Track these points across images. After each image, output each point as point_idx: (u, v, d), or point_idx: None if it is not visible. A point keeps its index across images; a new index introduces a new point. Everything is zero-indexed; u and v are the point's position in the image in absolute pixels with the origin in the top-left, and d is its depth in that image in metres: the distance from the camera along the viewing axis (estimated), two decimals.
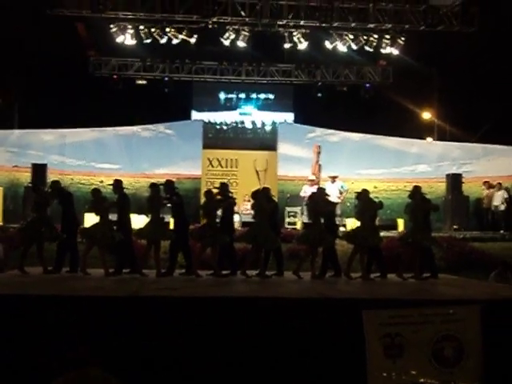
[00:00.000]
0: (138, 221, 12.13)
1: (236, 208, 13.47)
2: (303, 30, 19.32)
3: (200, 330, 7.36)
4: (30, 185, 16.37)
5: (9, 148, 20.35)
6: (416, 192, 11.49)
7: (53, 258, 11.36)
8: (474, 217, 19.06)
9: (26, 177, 18.16)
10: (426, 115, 25.30)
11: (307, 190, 16.99)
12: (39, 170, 16.86)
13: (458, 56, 20.28)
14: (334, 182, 17.53)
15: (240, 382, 6.87)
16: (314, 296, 8.60)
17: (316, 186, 16.16)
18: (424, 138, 24.20)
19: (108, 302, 7.73)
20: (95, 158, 20.84)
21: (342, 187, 17.44)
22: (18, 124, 22.78)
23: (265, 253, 11.45)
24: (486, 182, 19.13)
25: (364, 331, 6.81)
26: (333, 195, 16.68)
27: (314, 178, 17.94)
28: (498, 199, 18.22)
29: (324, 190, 12.92)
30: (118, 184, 11.70)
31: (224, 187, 11.88)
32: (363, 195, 11.48)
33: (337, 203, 15.99)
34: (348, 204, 17.11)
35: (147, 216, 11.42)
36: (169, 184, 11.67)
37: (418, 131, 23.81)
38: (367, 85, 22.56)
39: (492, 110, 21.54)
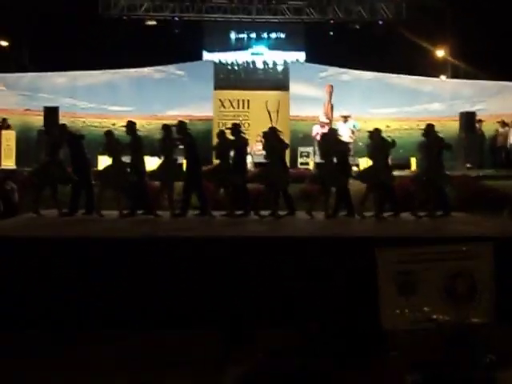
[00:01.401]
0: (151, 162, 12.16)
1: (248, 149, 13.45)
2: None
3: (215, 270, 7.45)
4: (42, 128, 16.41)
5: (20, 92, 20.32)
6: (429, 130, 11.42)
7: (68, 200, 11.46)
8: (488, 155, 18.96)
9: (38, 120, 18.13)
10: (440, 53, 24.92)
11: (318, 130, 16.94)
12: (51, 113, 16.82)
13: None
14: (346, 121, 17.46)
15: (255, 320, 6.96)
16: (328, 235, 8.65)
17: (327, 127, 16.12)
18: (437, 76, 23.92)
19: (123, 243, 7.81)
20: (107, 101, 20.79)
21: (354, 126, 17.38)
22: (28, 67, 22.68)
23: (276, 192, 11.46)
24: (501, 121, 18.95)
25: (377, 269, 6.86)
26: (345, 135, 16.67)
27: (325, 119, 17.86)
28: None
29: (336, 130, 12.88)
30: (131, 126, 11.68)
31: (236, 128, 11.84)
32: (375, 134, 11.43)
33: (349, 143, 15.96)
34: (360, 143, 17.02)
35: (160, 158, 11.45)
36: (181, 125, 11.64)
37: (432, 69, 23.51)
38: (380, 22, 22.18)
39: (506, 47, 21.21)
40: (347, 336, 3.60)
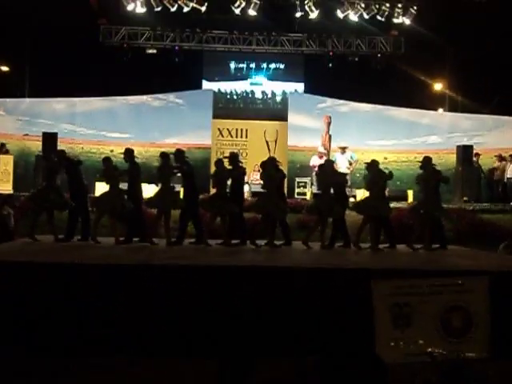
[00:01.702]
0: (149, 190, 12.17)
1: (246, 178, 13.48)
2: None
3: (210, 299, 7.42)
4: (40, 153, 16.46)
5: (19, 117, 20.43)
6: (427, 163, 11.46)
7: (65, 226, 11.45)
8: (485, 188, 19.01)
9: (36, 145, 18.20)
10: (438, 86, 25.11)
11: (316, 161, 16.99)
12: (50, 139, 16.86)
13: (471, 27, 20.06)
14: (343, 152, 17.52)
15: (248, 350, 6.92)
16: (324, 265, 8.63)
17: (324, 158, 16.17)
18: (435, 109, 24.07)
19: (119, 270, 7.78)
20: (105, 127, 20.88)
21: (351, 157, 17.45)
22: (28, 93, 22.79)
23: (273, 222, 11.46)
24: (498, 155, 19.01)
25: (372, 300, 6.84)
26: (343, 166, 16.73)
27: (323, 150, 17.92)
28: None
29: (333, 161, 12.94)
30: (129, 153, 11.71)
31: (234, 157, 11.87)
32: (373, 166, 11.46)
33: (346, 174, 16.01)
34: (358, 175, 17.08)
35: (157, 185, 11.45)
36: (179, 153, 11.66)
37: (430, 102, 23.66)
38: (378, 55, 22.34)
39: (503, 82, 21.36)
40: (348, 368, 3.58)
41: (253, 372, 3.90)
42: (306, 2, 19.27)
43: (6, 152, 17.58)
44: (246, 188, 14.80)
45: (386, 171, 11.92)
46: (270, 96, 22.93)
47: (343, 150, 17.55)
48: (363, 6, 19.24)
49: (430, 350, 5.94)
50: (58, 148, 14.90)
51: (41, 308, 7.38)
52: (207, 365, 6.00)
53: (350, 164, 17.27)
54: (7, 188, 16.20)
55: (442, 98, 25.09)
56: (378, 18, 19.69)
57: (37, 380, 6.33)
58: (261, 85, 22.94)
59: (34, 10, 19.27)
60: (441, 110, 24.52)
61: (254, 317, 7.32)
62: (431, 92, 25.11)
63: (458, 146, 18.38)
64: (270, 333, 7.22)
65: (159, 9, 19.43)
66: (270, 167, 11.50)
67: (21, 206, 13.30)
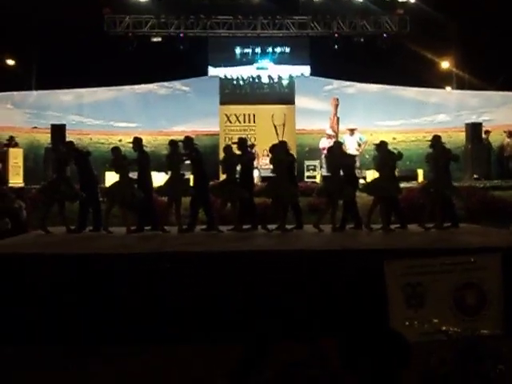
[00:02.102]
0: (158, 178, 12.20)
1: (255, 163, 13.47)
2: None
3: (223, 284, 7.45)
4: (49, 146, 16.50)
5: (28, 110, 20.50)
6: (436, 141, 11.44)
7: (76, 217, 11.51)
8: (495, 165, 18.92)
9: (45, 138, 18.24)
10: (445, 64, 24.95)
11: (325, 143, 16.96)
12: (58, 131, 16.90)
13: (476, 3, 19.93)
14: (352, 134, 17.48)
15: (263, 334, 6.94)
16: (336, 248, 8.64)
17: (333, 140, 16.13)
18: (443, 88, 23.95)
19: (131, 259, 7.83)
20: (113, 117, 20.92)
21: (360, 139, 17.40)
22: (35, 85, 22.82)
23: (283, 206, 11.48)
24: (507, 131, 18.91)
25: (385, 281, 6.86)
26: (352, 147, 16.70)
27: (331, 132, 17.89)
28: None
29: (341, 143, 12.91)
30: (137, 142, 11.73)
31: (243, 142, 11.87)
32: (382, 147, 11.44)
33: (356, 155, 15.99)
34: (367, 156, 17.03)
35: (167, 173, 11.48)
36: (188, 140, 11.67)
37: (437, 81, 23.53)
38: (384, 35, 22.21)
39: (510, 58, 21.22)
40: (369, 345, 3.58)
41: (269, 356, 3.91)
42: None
43: (16, 145, 17.62)
44: (256, 173, 14.79)
45: (395, 151, 11.90)
46: (276, 80, 22.81)
47: (352, 131, 17.51)
48: None
49: (444, 328, 5.94)
50: (67, 139, 14.91)
51: (54, 299, 7.45)
52: (220, 351, 6.06)
53: (359, 145, 17.23)
54: (18, 181, 16.26)
55: (449, 76, 24.94)
56: None
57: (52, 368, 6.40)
58: (267, 69, 22.83)
59: (38, 3, 19.27)
60: (448, 88, 24.39)
61: (268, 301, 7.35)
62: (438, 70, 24.96)
63: (467, 124, 18.30)
64: (284, 316, 7.25)
65: None
66: (279, 151, 11.49)
67: (32, 199, 13.35)
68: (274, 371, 3.60)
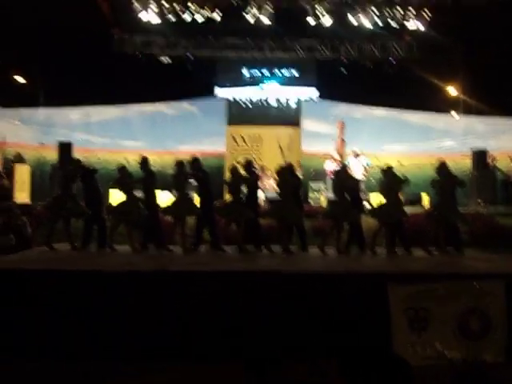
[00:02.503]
0: (163, 197, 12.22)
1: (260, 184, 13.50)
2: (327, 5, 19.23)
3: (228, 303, 7.46)
4: (56, 163, 16.57)
5: (35, 126, 20.62)
6: (442, 167, 11.45)
7: (81, 234, 11.52)
8: (500, 191, 18.89)
9: (52, 155, 18.32)
10: (452, 90, 25.03)
11: (330, 166, 16.98)
12: (65, 148, 16.99)
13: (484, 30, 20.00)
14: (356, 157, 17.49)
15: (266, 352, 6.95)
16: (340, 270, 8.63)
17: (338, 163, 16.16)
18: (449, 113, 24.00)
19: (136, 277, 7.84)
20: (120, 136, 21.02)
21: (367, 164, 17.41)
22: (43, 102, 22.95)
23: (288, 228, 11.48)
24: None
25: (389, 305, 6.85)
26: (358, 171, 16.72)
27: (337, 155, 17.93)
28: None
29: (346, 166, 12.94)
30: (144, 161, 11.78)
31: (249, 164, 11.91)
32: (389, 172, 11.46)
33: (360, 180, 16.02)
34: (372, 179, 17.04)
35: (172, 192, 11.51)
36: (194, 161, 11.72)
37: (444, 106, 23.58)
38: (391, 60, 22.30)
39: None
40: (372, 368, 3.61)
41: (274, 375, 3.94)
42: (318, 8, 19.32)
43: (23, 161, 17.69)
44: (261, 194, 14.82)
45: (402, 176, 11.91)
46: (283, 102, 22.94)
47: (356, 154, 17.53)
48: (375, 11, 19.26)
49: (447, 353, 5.94)
50: (74, 157, 14.96)
51: (59, 315, 7.45)
52: (226, 369, 6.05)
53: (365, 170, 17.23)
54: (24, 197, 16.30)
55: (456, 102, 24.99)
56: (391, 22, 19.70)
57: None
58: (274, 91, 22.96)
59: (47, 21, 19.41)
60: (455, 114, 24.44)
61: (272, 321, 7.35)
62: (445, 96, 25.02)
63: (474, 151, 18.34)
64: (287, 336, 7.24)
65: (172, 17, 19.54)
66: (285, 173, 11.52)
67: (37, 215, 13.38)
68: None
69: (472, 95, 24.05)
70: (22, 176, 16.77)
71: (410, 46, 22.21)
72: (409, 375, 3.89)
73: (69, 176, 11.48)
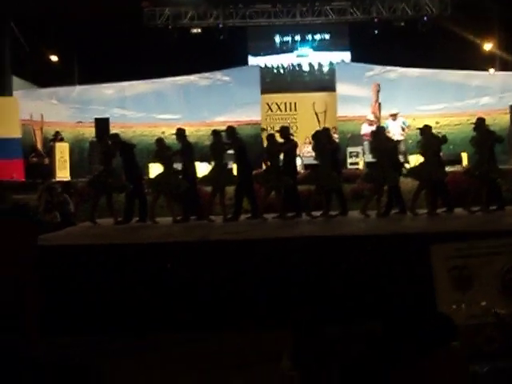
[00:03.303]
0: (202, 168, 12.31)
1: (297, 151, 13.49)
2: None
3: (271, 270, 7.52)
4: (94, 139, 16.74)
5: (71, 104, 20.78)
6: (480, 124, 11.33)
7: (122, 208, 11.66)
8: None
9: (90, 132, 18.49)
10: (487, 46, 24.59)
11: (367, 129, 16.87)
12: (102, 124, 17.10)
13: None
14: (395, 119, 17.31)
15: (313, 317, 7.00)
16: (381, 233, 8.64)
17: (375, 125, 16.03)
18: (486, 70, 23.62)
19: (179, 247, 7.94)
20: (155, 110, 21.08)
21: (403, 123, 17.23)
22: (78, 80, 23.14)
23: (327, 193, 11.48)
24: None
25: (432, 265, 6.85)
26: (395, 132, 16.58)
27: (372, 117, 17.77)
28: None
29: (384, 128, 12.85)
30: (181, 133, 11.87)
31: (285, 130, 11.91)
32: (426, 131, 11.38)
33: (400, 140, 15.91)
34: (410, 141, 16.90)
35: (210, 163, 11.58)
36: (230, 130, 11.76)
37: (480, 63, 23.21)
38: (424, 18, 21.98)
39: None
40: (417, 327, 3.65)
41: (322, 338, 3.99)
42: None
43: (62, 140, 17.90)
44: (298, 161, 14.81)
45: (440, 135, 11.82)
46: (316, 67, 22.81)
47: (394, 116, 17.35)
48: None
49: (493, 310, 5.92)
50: (111, 133, 15.10)
51: (106, 289, 7.59)
52: (266, 338, 6.14)
53: (403, 130, 17.07)
54: (65, 175, 16.52)
55: (493, 58, 24.56)
56: None
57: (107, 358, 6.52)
58: (307, 56, 22.83)
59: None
60: (491, 70, 24.04)
61: (317, 285, 7.41)
62: (481, 52, 24.60)
63: (511, 106, 18.06)
64: (333, 300, 7.30)
65: None
66: (322, 138, 11.50)
67: (79, 192, 13.58)
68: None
69: (509, 50, 23.63)
70: (62, 154, 16.97)
71: (444, 2, 21.87)
72: (454, 333, 3.91)
73: (108, 152, 11.60)
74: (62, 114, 20.31)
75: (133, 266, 7.72)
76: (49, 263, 7.55)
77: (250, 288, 7.48)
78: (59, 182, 14.88)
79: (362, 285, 7.40)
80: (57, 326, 7.23)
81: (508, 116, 18.04)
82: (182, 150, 11.65)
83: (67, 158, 17.10)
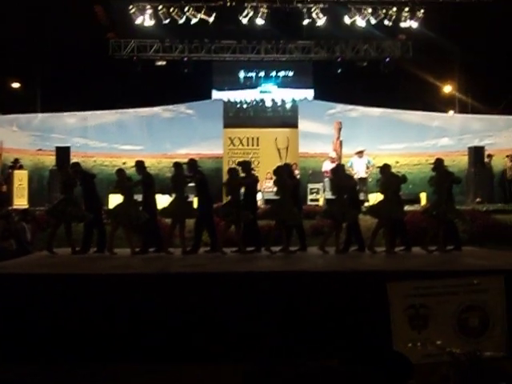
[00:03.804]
0: (162, 200, 12.25)
1: (258, 186, 13.52)
2: (321, 5, 19.34)
3: (228, 305, 7.49)
4: (54, 168, 16.60)
5: (32, 132, 20.60)
6: (439, 165, 11.48)
7: (80, 238, 11.53)
8: (497, 189, 18.95)
9: (50, 160, 18.37)
10: (447, 88, 25.12)
11: (328, 166, 17.00)
12: (63, 153, 17.00)
13: (478, 28, 20.06)
14: (361, 156, 17.46)
15: (266, 354, 6.98)
16: (339, 269, 8.66)
17: (336, 163, 16.16)
18: (445, 112, 24.06)
19: (137, 280, 7.87)
20: (117, 140, 21.03)
21: (369, 162, 17.39)
22: (40, 108, 23.00)
23: (287, 229, 11.51)
24: (510, 155, 18.94)
25: (389, 303, 6.88)
26: (360, 170, 16.76)
27: (334, 155, 17.93)
28: None
29: (344, 165, 12.96)
30: (140, 164, 11.82)
31: (246, 165, 11.93)
32: (386, 170, 11.50)
33: (364, 178, 16.09)
34: (370, 179, 17.07)
35: (171, 195, 11.53)
36: (192, 163, 11.75)
37: (440, 105, 23.69)
38: (387, 59, 22.37)
39: None
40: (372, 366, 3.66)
41: (276, 375, 3.98)
42: (313, 9, 19.39)
43: (21, 167, 17.73)
44: (259, 196, 14.85)
45: (399, 175, 11.95)
46: (279, 104, 23.01)
47: (361, 153, 17.51)
48: (370, 11, 19.34)
49: (447, 350, 5.97)
50: (71, 162, 14.99)
51: (59, 319, 7.48)
52: (225, 371, 6.09)
53: (368, 168, 17.23)
54: (23, 203, 16.33)
55: (452, 101, 25.10)
56: (386, 22, 19.77)
57: None
58: (270, 93, 23.01)
59: (43, 26, 19.47)
60: (451, 112, 24.51)
61: (272, 321, 7.39)
62: (441, 94, 25.14)
63: (470, 148, 18.39)
64: (287, 337, 7.28)
65: (167, 21, 19.60)
66: (283, 174, 11.55)
67: (37, 220, 13.42)
68: None
69: (468, 93, 24.16)
70: (21, 181, 16.79)
71: (406, 45, 22.31)
72: (410, 372, 3.92)
73: (68, 181, 11.49)
74: (23, 141, 20.12)
75: (90, 297, 7.61)
76: (4, 291, 7.43)
77: (208, 320, 7.44)
78: (16, 209, 14.71)
79: (318, 321, 7.39)
80: (13, 353, 7.11)
81: (466, 158, 18.36)
82: (143, 180, 11.60)
83: (26, 185, 16.93)
